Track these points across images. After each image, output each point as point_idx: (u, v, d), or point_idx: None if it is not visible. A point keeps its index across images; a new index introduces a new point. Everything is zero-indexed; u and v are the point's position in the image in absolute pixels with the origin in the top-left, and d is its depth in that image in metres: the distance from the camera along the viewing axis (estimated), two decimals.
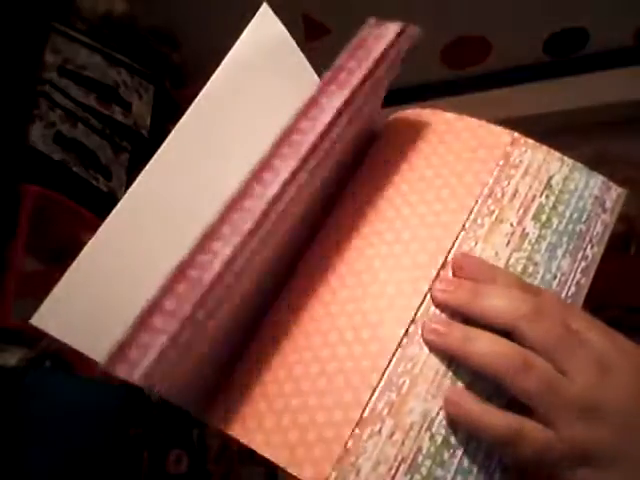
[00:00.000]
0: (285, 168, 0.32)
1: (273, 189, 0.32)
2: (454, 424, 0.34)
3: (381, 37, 0.37)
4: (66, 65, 1.22)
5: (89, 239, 0.34)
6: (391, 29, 0.37)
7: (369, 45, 0.36)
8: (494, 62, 1.62)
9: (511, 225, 0.39)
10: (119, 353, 0.28)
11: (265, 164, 0.33)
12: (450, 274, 0.37)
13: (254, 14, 0.39)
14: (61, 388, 1.00)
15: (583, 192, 0.41)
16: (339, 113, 0.34)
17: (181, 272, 0.30)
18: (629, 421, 0.33)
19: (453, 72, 1.69)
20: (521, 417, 0.33)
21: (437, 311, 0.36)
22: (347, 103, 0.34)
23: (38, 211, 1.08)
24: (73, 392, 0.98)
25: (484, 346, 0.34)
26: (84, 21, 1.29)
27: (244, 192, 0.32)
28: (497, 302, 0.35)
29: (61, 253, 1.06)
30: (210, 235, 0.31)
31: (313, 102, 0.34)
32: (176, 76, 1.48)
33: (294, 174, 0.32)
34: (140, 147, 1.33)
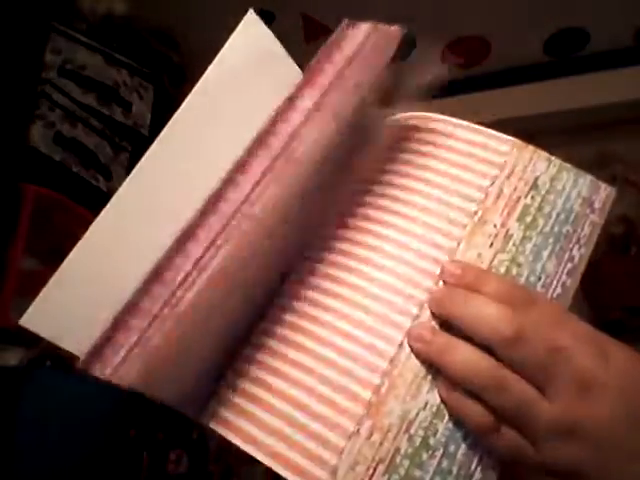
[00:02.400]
0: (257, 168, 0.33)
1: (244, 190, 0.32)
2: (432, 426, 0.34)
3: (352, 37, 0.37)
4: (66, 65, 1.22)
5: None
6: (362, 29, 0.38)
7: (341, 46, 0.37)
8: (494, 62, 1.62)
9: (494, 226, 0.38)
10: (94, 352, 0.28)
11: (239, 166, 0.33)
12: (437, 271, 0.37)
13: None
14: (61, 388, 1.00)
15: (571, 192, 0.40)
16: (310, 113, 0.34)
17: (157, 274, 0.30)
18: (611, 441, 0.32)
19: (453, 72, 1.69)
20: (500, 424, 0.34)
21: (424, 317, 0.36)
22: (318, 104, 0.35)
23: (38, 211, 1.08)
24: (73, 392, 0.98)
25: (463, 359, 0.34)
26: (84, 21, 1.29)
27: (219, 194, 0.32)
28: (482, 315, 0.34)
29: (61, 253, 1.06)
30: (185, 237, 0.31)
31: (287, 104, 0.35)
32: (176, 76, 1.48)
33: (264, 174, 0.33)
34: (140, 147, 1.33)
